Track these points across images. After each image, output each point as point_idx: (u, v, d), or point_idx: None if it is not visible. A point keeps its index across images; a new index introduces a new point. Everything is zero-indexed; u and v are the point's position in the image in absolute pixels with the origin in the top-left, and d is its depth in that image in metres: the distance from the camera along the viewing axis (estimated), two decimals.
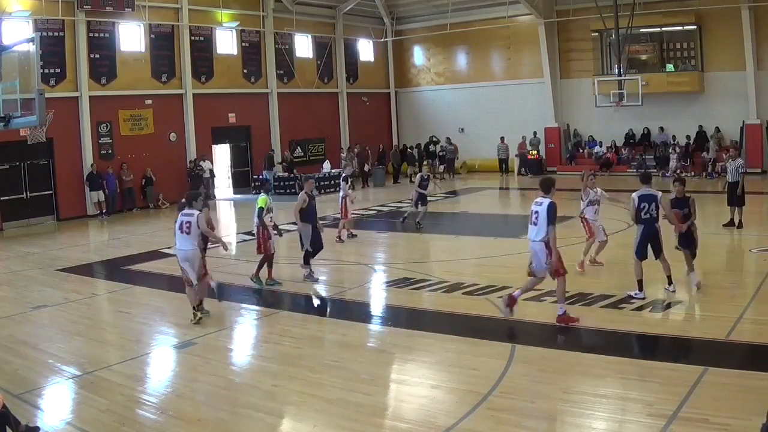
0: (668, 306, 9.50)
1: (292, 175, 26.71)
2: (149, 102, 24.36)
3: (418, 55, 34.09)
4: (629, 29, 24.94)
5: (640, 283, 9.85)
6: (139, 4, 23.18)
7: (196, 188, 24.88)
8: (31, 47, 9.04)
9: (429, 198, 18.01)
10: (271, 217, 11.57)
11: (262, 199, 11.52)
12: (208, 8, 26.00)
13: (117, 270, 13.98)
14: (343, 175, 17.06)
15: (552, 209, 8.71)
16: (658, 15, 26.36)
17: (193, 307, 9.70)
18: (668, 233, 10.52)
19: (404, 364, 8.03)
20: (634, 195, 9.94)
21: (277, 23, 28.45)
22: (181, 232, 9.61)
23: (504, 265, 13.05)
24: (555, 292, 9.00)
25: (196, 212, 9.74)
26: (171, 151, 25.03)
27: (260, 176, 26.97)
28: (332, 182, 26.84)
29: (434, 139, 31.55)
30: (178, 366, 8.30)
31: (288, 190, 26.39)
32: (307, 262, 12.00)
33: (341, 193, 16.31)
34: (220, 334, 9.32)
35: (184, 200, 10.21)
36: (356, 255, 15.12)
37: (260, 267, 11.64)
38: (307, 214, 11.92)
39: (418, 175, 18.09)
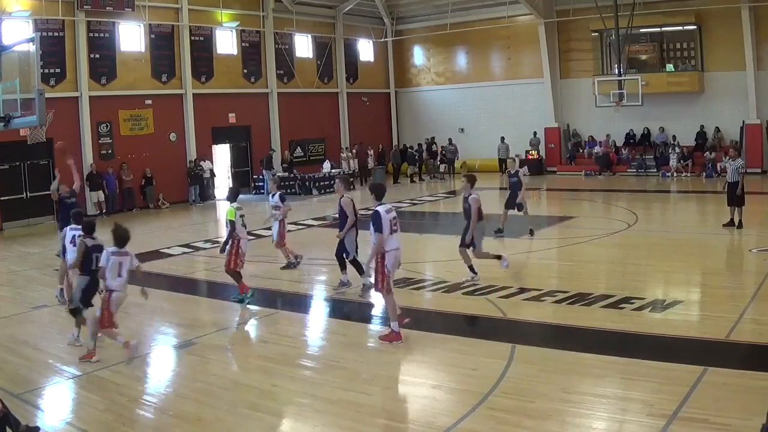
0: (668, 306, 9.49)
1: (291, 175, 26.74)
2: (149, 102, 24.35)
3: (418, 55, 34.08)
4: (629, 29, 24.93)
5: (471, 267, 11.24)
6: (139, 4, 23.17)
7: (195, 185, 25.07)
8: (31, 47, 9.04)
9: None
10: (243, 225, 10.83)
11: (230, 211, 10.74)
12: (208, 8, 26.00)
13: None
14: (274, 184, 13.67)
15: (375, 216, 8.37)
16: (658, 15, 26.36)
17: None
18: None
19: (404, 364, 8.03)
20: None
21: (277, 23, 28.45)
22: (120, 275, 8.46)
23: None
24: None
25: (129, 251, 8.76)
26: (171, 151, 25.01)
27: (260, 176, 27.08)
28: (332, 182, 26.91)
29: (428, 140, 31.56)
30: (178, 366, 8.29)
31: (288, 190, 26.43)
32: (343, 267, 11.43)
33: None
34: (220, 334, 9.33)
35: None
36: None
37: (240, 281, 10.77)
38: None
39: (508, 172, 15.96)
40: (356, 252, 11.07)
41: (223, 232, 19.61)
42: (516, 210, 15.51)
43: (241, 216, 10.84)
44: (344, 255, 11.13)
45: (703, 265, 12.51)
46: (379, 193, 8.83)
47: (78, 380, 7.68)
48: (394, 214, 8.69)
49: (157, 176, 24.17)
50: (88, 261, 8.53)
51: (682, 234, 15.41)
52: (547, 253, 14.03)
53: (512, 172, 15.79)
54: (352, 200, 11.19)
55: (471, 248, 11.16)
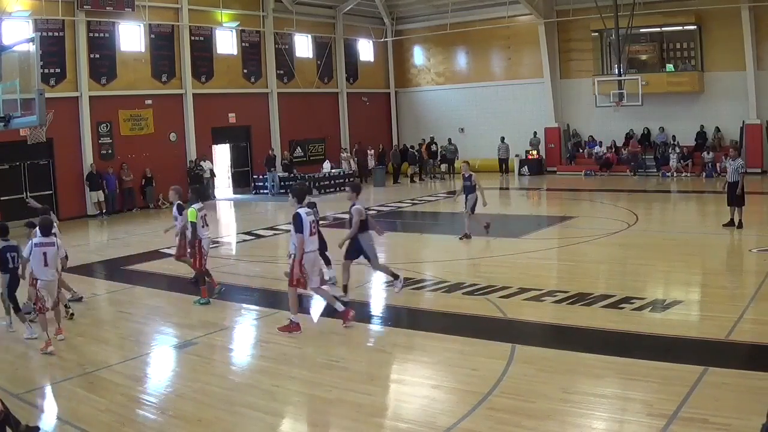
0: (668, 306, 9.50)
1: (292, 175, 26.76)
2: (149, 102, 24.35)
3: (418, 55, 34.08)
4: (629, 29, 24.93)
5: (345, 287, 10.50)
6: (139, 4, 23.17)
7: (195, 185, 25.06)
8: (31, 47, 9.06)
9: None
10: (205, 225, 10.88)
11: (191, 213, 10.69)
12: (208, 8, 26.00)
13: (117, 270, 13.98)
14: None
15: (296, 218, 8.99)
16: (658, 15, 26.36)
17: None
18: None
19: (404, 364, 8.03)
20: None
21: (277, 23, 28.46)
22: (46, 264, 8.76)
23: (504, 265, 13.05)
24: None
25: (55, 240, 9.04)
26: (171, 151, 25.02)
27: (261, 176, 27.09)
28: (332, 182, 27.00)
29: (423, 140, 31.57)
30: (178, 366, 8.29)
31: (288, 191, 26.45)
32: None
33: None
34: (220, 334, 9.32)
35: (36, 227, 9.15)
36: None
37: (204, 284, 10.93)
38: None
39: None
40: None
41: (222, 232, 19.69)
42: (470, 212, 15.33)
43: (203, 216, 10.87)
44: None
45: (703, 265, 12.52)
46: (300, 197, 9.28)
47: (78, 380, 7.68)
48: (313, 217, 9.26)
49: (157, 176, 24.17)
50: (3, 260, 9.19)
51: (682, 234, 15.41)
52: (547, 253, 14.03)
53: (466, 175, 15.58)
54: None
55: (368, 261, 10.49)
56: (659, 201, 22.07)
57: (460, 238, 15.15)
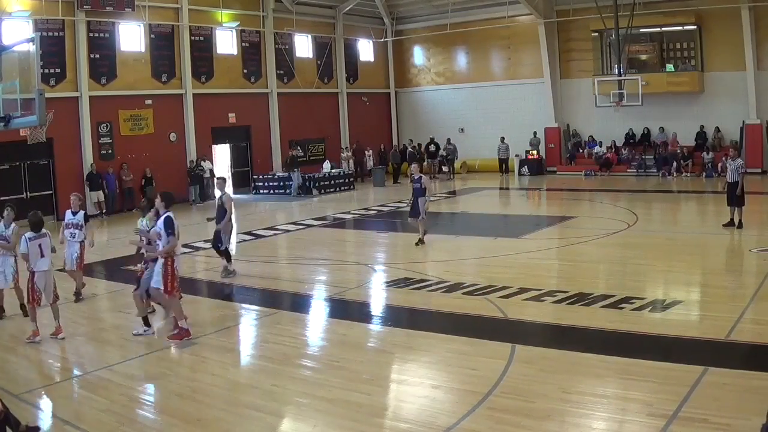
0: (668, 306, 9.50)
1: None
2: (149, 102, 24.35)
3: (418, 55, 34.09)
4: (629, 29, 24.94)
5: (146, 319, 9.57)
6: (139, 4, 23.17)
7: (195, 185, 25.08)
8: (31, 47, 9.04)
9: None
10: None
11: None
12: (208, 8, 26.00)
13: (117, 270, 13.98)
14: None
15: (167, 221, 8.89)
16: (658, 15, 26.36)
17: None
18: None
19: (404, 364, 8.03)
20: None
21: (277, 23, 28.46)
22: (42, 256, 9.29)
23: (504, 265, 13.05)
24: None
25: (46, 232, 9.50)
26: (171, 151, 25.02)
27: (264, 175, 27.09)
28: (332, 182, 27.01)
29: (411, 141, 31.58)
30: (178, 366, 8.29)
31: (287, 191, 26.48)
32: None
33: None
34: (220, 334, 9.32)
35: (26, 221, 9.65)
36: (356, 255, 15.13)
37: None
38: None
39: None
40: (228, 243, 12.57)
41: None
42: (414, 217, 14.88)
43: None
44: (218, 245, 12.56)
45: (703, 265, 12.52)
46: (168, 201, 9.26)
47: (78, 380, 7.69)
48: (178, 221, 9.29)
49: (157, 176, 24.14)
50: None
51: (682, 234, 15.42)
52: (547, 253, 14.02)
53: (415, 177, 14.89)
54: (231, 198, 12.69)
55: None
56: (659, 201, 22.06)
57: (416, 244, 14.80)
